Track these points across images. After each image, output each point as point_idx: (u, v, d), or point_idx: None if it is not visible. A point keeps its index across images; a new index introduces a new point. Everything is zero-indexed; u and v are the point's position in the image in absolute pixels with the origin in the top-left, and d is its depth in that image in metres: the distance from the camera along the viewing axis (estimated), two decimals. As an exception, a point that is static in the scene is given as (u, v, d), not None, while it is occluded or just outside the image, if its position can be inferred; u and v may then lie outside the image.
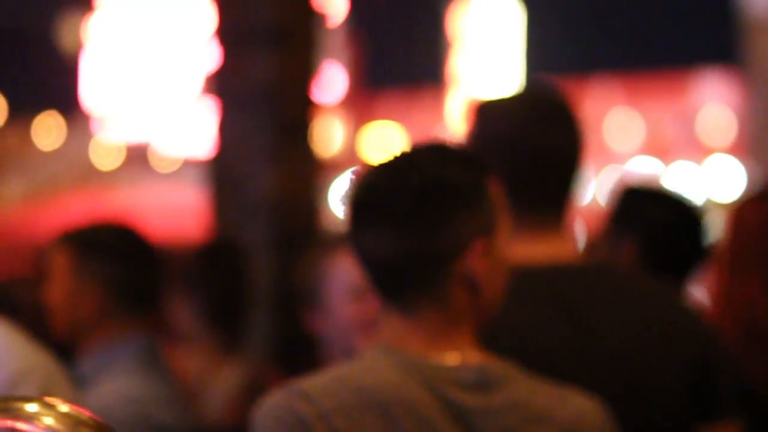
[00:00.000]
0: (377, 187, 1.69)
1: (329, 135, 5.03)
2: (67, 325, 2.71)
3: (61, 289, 2.71)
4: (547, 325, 2.02)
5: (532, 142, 2.12)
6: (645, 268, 2.75)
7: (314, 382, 1.66)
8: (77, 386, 2.39)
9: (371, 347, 1.73)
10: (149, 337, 2.75)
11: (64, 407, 0.91)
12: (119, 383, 2.61)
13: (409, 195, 1.66)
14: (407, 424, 1.62)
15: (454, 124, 24.58)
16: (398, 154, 1.72)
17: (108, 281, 2.70)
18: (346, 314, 2.53)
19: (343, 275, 2.53)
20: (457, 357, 1.69)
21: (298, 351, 2.72)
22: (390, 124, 25.76)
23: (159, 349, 2.82)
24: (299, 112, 4.66)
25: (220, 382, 3.80)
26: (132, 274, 2.75)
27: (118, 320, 2.70)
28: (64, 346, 2.62)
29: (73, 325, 2.71)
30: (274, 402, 1.63)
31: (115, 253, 2.75)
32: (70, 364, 2.41)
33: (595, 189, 25.06)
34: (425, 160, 1.70)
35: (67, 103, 23.23)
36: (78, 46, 22.71)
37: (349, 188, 1.72)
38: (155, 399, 2.60)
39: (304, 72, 4.69)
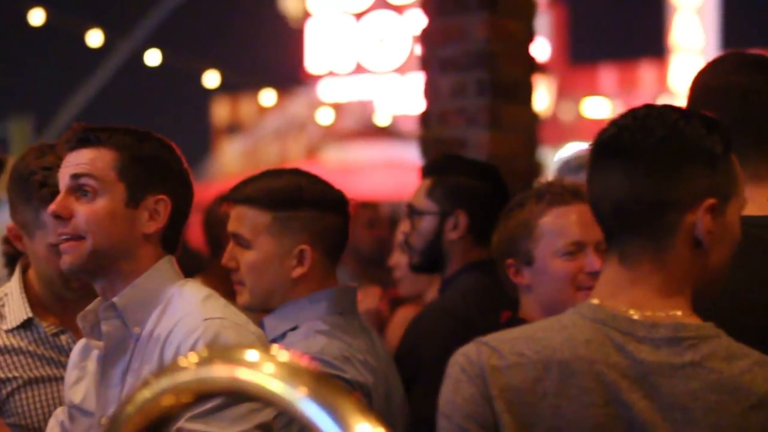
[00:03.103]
0: (623, 128, 1.72)
1: (540, 101, 5.00)
2: (270, 288, 2.57)
3: (265, 250, 2.55)
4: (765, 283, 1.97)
5: (740, 87, 2.14)
6: None
7: (505, 337, 1.71)
8: None
9: (580, 303, 1.73)
10: (339, 292, 2.61)
11: (284, 356, 0.92)
12: (304, 341, 2.51)
13: (651, 140, 1.68)
14: (586, 383, 1.62)
15: (676, 97, 23.98)
16: (645, 106, 1.75)
17: (318, 237, 2.57)
18: (556, 271, 2.54)
19: (556, 232, 2.55)
20: (659, 315, 1.66)
21: (504, 307, 2.73)
22: (603, 99, 25.30)
23: (351, 302, 2.65)
24: (517, 74, 4.62)
25: None
26: (334, 226, 2.61)
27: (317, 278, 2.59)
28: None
29: (275, 290, 2.57)
30: (465, 351, 1.70)
31: (321, 206, 2.58)
32: None
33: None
34: (671, 115, 1.71)
35: (291, 66, 23.84)
36: (302, 14, 23.30)
37: (596, 134, 1.75)
38: (342, 357, 2.49)
39: (520, 34, 4.64)
